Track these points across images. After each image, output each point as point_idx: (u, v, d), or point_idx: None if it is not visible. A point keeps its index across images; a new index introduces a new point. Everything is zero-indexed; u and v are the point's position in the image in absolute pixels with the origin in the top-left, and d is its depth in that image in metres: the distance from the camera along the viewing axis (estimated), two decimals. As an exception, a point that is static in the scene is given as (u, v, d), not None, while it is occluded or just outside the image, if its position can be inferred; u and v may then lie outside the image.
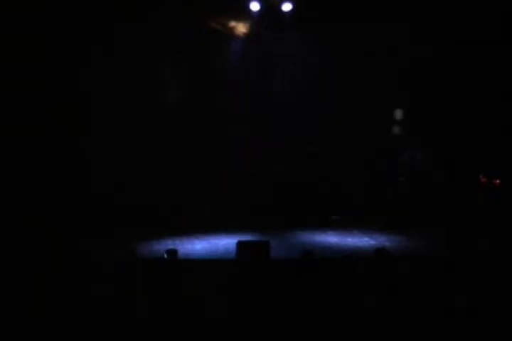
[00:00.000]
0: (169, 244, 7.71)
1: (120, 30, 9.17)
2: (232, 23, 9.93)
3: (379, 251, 5.84)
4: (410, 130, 9.78)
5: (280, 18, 9.77)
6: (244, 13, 9.79)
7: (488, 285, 5.11)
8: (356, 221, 9.22)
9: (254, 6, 9.69)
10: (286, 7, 9.74)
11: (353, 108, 9.96)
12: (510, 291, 5.01)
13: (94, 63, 9.18)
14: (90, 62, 9.20)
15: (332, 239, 8.48)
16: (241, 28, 9.95)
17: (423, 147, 9.44)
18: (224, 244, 7.85)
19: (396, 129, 10.12)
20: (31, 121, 9.01)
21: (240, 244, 6.32)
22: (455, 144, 9.60)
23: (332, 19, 9.44)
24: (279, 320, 4.52)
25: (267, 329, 4.40)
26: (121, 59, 9.25)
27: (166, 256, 6.16)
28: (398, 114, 10.14)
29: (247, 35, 9.97)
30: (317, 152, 9.14)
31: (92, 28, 9.12)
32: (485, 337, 4.32)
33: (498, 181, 9.14)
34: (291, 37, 9.75)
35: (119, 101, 9.34)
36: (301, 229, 8.94)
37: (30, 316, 4.56)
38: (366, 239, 8.33)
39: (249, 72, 9.86)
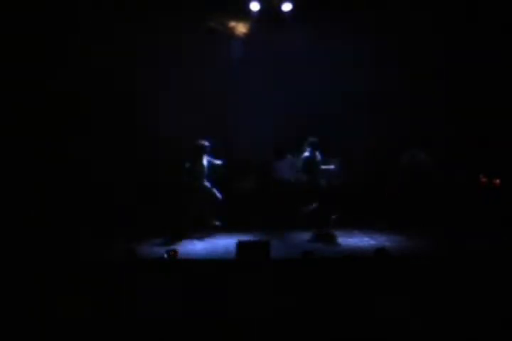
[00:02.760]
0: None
1: (120, 30, 9.18)
2: (232, 23, 9.94)
3: (379, 251, 5.86)
4: (412, 129, 9.75)
5: (280, 18, 9.77)
6: (244, 13, 9.80)
7: (488, 285, 5.11)
8: (356, 221, 9.21)
9: (254, 6, 9.69)
10: (286, 7, 9.74)
11: (353, 108, 9.95)
12: (509, 291, 5.01)
13: (94, 63, 9.19)
14: (90, 61, 9.22)
15: (332, 239, 8.47)
16: (241, 28, 9.95)
17: (423, 147, 9.40)
18: (224, 244, 7.84)
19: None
20: (31, 120, 9.02)
21: (240, 244, 6.33)
22: (455, 144, 9.60)
23: (332, 19, 9.44)
24: (278, 320, 4.53)
25: (267, 329, 4.40)
26: (120, 58, 9.26)
27: (166, 256, 6.18)
28: None
29: (247, 35, 9.97)
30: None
31: (91, 28, 9.14)
32: (485, 337, 4.32)
33: (498, 181, 9.13)
34: (292, 37, 9.74)
35: (120, 100, 9.36)
36: (302, 229, 8.92)
37: (30, 316, 4.56)
38: (366, 239, 8.32)
39: (249, 73, 9.86)
